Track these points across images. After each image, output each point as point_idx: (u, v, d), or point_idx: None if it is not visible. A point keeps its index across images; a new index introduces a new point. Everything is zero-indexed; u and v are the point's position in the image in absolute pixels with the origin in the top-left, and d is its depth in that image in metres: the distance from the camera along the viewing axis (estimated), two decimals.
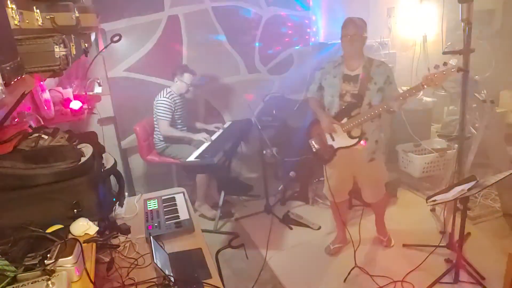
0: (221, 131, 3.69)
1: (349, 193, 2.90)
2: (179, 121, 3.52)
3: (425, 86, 2.21)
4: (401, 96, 2.28)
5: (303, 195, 3.80)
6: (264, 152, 3.46)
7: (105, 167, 1.61)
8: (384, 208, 2.94)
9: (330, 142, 2.60)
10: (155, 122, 3.50)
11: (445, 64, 2.14)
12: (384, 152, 2.66)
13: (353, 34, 2.36)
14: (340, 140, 2.54)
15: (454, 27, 4.07)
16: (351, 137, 2.49)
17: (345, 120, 2.47)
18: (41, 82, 2.46)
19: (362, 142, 2.48)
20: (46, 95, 2.73)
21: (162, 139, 3.50)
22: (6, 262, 1.07)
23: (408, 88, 2.31)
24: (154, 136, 3.56)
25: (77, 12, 1.41)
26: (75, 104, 3.01)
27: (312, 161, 3.12)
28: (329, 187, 2.71)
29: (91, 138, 1.71)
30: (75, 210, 1.34)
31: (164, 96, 3.38)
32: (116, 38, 3.22)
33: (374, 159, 2.54)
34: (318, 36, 4.39)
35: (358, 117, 2.42)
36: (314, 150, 2.73)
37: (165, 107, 3.37)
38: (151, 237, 1.68)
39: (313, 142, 2.72)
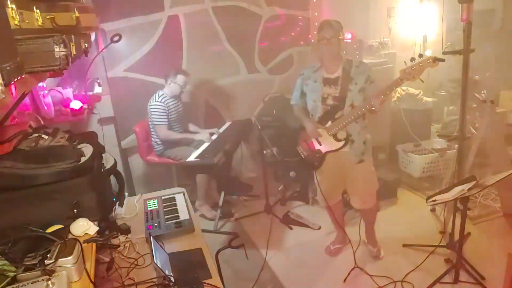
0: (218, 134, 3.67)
1: (343, 193, 2.88)
2: (175, 123, 3.48)
3: (403, 81, 2.19)
4: (381, 94, 2.25)
5: (303, 195, 3.80)
6: (264, 152, 3.46)
7: (105, 167, 1.61)
8: (374, 216, 2.84)
9: (317, 147, 2.59)
10: (151, 127, 3.47)
11: (420, 56, 2.12)
12: (372, 155, 2.59)
13: (330, 37, 2.32)
14: (327, 144, 2.53)
15: (454, 27, 4.07)
16: (337, 140, 2.48)
17: (329, 123, 2.46)
18: (41, 82, 2.46)
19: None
20: (46, 95, 2.73)
21: (159, 142, 3.47)
22: (6, 262, 1.07)
23: (387, 85, 2.28)
24: (152, 139, 3.53)
25: (77, 12, 1.42)
26: (75, 104, 3.01)
27: (302, 167, 3.09)
28: (322, 192, 2.70)
29: (91, 138, 1.71)
30: (75, 210, 1.34)
31: (157, 100, 3.33)
32: (116, 38, 3.23)
33: (363, 161, 2.51)
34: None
35: (342, 120, 2.40)
36: (303, 157, 2.72)
37: (160, 112, 3.32)
38: (151, 237, 1.68)
39: (301, 149, 2.72)
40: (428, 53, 2.12)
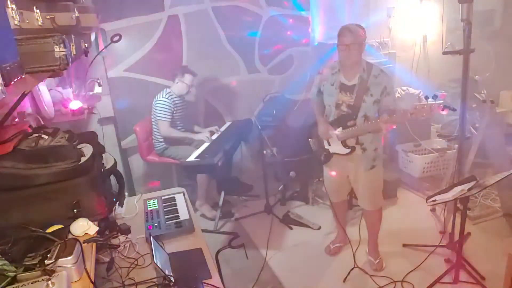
0: (219, 132, 3.67)
1: (349, 194, 2.88)
2: (179, 122, 3.51)
3: (413, 116, 2.20)
4: (390, 121, 2.27)
5: (303, 195, 3.81)
6: (264, 152, 3.46)
7: (105, 167, 1.61)
8: (379, 222, 2.74)
9: (326, 146, 2.61)
10: (153, 123, 3.49)
11: (435, 97, 2.17)
12: (383, 157, 2.61)
13: (350, 43, 2.27)
14: (335, 147, 2.55)
15: (454, 27, 4.08)
16: (345, 146, 2.49)
17: (340, 129, 2.46)
18: (41, 82, 2.46)
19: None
20: (46, 95, 2.73)
21: (161, 140, 3.48)
22: (6, 262, 1.07)
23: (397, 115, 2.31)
24: (153, 137, 3.54)
25: (77, 12, 1.42)
26: (75, 104, 3.01)
27: (311, 161, 3.12)
28: (326, 189, 2.73)
29: (91, 138, 1.71)
30: (75, 210, 1.34)
31: (164, 96, 3.37)
32: (116, 38, 3.22)
33: (374, 167, 2.52)
34: (318, 36, 4.39)
35: (352, 130, 2.41)
36: (313, 150, 2.76)
37: (165, 108, 3.36)
38: (151, 237, 1.67)
39: (311, 142, 2.75)
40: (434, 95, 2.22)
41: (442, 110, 2.13)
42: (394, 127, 2.30)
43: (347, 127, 2.43)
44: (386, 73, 2.42)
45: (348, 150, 2.48)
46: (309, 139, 2.76)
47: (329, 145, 2.58)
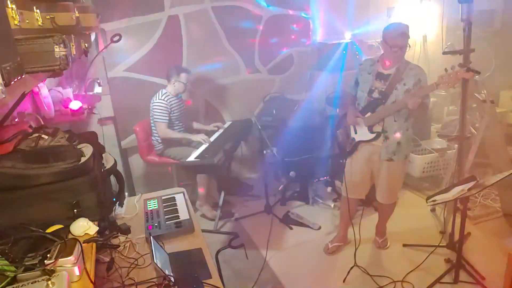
0: (221, 130, 3.69)
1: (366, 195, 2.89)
2: (177, 122, 3.50)
3: (439, 86, 2.25)
4: (416, 95, 2.31)
5: (303, 195, 3.81)
6: (264, 152, 3.46)
7: (105, 167, 1.61)
8: (391, 212, 2.92)
9: (353, 134, 2.69)
10: (152, 124, 3.49)
11: (460, 65, 2.19)
12: (406, 157, 2.63)
13: (402, 46, 2.36)
14: (361, 134, 2.63)
15: (454, 27, 4.07)
16: (371, 132, 2.56)
17: (368, 114, 2.55)
18: (41, 82, 2.46)
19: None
20: (46, 95, 2.73)
21: (160, 141, 3.48)
22: (6, 262, 1.07)
23: (422, 88, 2.37)
24: (152, 138, 3.54)
25: (77, 12, 1.42)
26: (75, 104, 3.01)
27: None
28: (345, 180, 2.76)
29: (91, 138, 1.71)
30: (75, 210, 1.34)
31: (160, 98, 3.35)
32: (116, 38, 3.23)
33: (392, 160, 2.55)
34: (318, 36, 4.39)
35: (378, 113, 2.49)
36: (338, 141, 2.85)
37: (162, 109, 3.34)
38: (151, 237, 1.67)
39: (339, 132, 2.84)
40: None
41: (467, 72, 2.17)
42: (420, 100, 2.30)
43: (375, 113, 2.52)
44: (422, 68, 2.50)
45: (372, 135, 2.55)
46: (337, 131, 2.84)
47: (355, 133, 2.66)
